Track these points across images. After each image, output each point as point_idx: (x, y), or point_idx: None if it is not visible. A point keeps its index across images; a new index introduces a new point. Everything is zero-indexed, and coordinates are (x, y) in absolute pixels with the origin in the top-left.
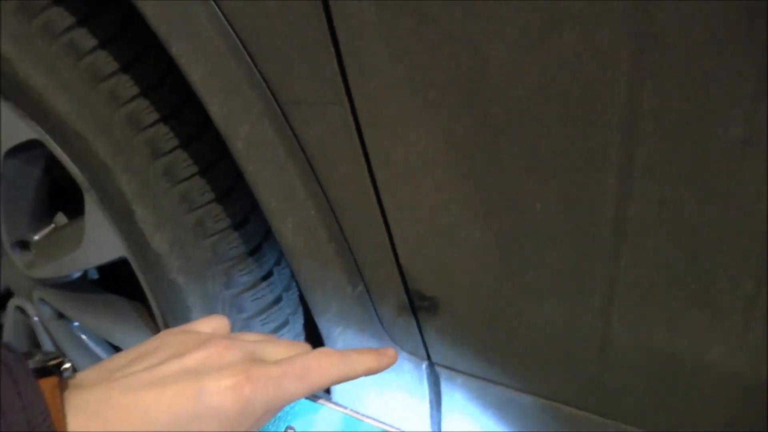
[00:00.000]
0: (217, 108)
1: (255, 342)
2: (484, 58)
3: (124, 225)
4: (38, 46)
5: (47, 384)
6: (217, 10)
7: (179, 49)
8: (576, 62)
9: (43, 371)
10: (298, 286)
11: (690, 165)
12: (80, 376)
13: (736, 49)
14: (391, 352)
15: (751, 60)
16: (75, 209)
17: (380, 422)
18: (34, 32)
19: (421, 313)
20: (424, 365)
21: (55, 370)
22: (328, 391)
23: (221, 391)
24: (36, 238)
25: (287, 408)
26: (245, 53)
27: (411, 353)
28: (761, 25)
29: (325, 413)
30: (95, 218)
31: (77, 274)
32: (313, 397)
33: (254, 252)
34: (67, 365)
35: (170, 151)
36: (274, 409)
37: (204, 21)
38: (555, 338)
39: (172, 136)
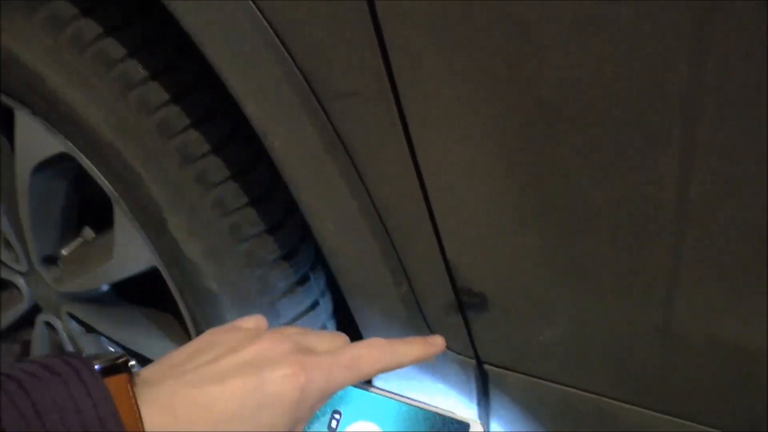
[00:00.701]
0: (254, 107)
1: (300, 334)
2: (538, 41)
3: (155, 234)
4: (67, 57)
5: (119, 381)
6: (253, 6)
7: (214, 51)
8: (634, 42)
9: (112, 369)
10: (332, 290)
11: (757, 142)
12: (144, 373)
13: None
14: (438, 340)
15: None
16: (102, 223)
17: (426, 404)
18: (63, 44)
19: (470, 311)
20: (472, 364)
21: (123, 368)
22: (369, 382)
23: (280, 381)
24: (64, 252)
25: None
26: (283, 49)
27: (459, 353)
28: None
29: (369, 398)
30: (125, 229)
31: (106, 288)
32: (359, 384)
33: (290, 256)
34: (133, 362)
35: (202, 156)
36: (326, 397)
37: (240, 19)
38: (613, 333)
39: (203, 141)
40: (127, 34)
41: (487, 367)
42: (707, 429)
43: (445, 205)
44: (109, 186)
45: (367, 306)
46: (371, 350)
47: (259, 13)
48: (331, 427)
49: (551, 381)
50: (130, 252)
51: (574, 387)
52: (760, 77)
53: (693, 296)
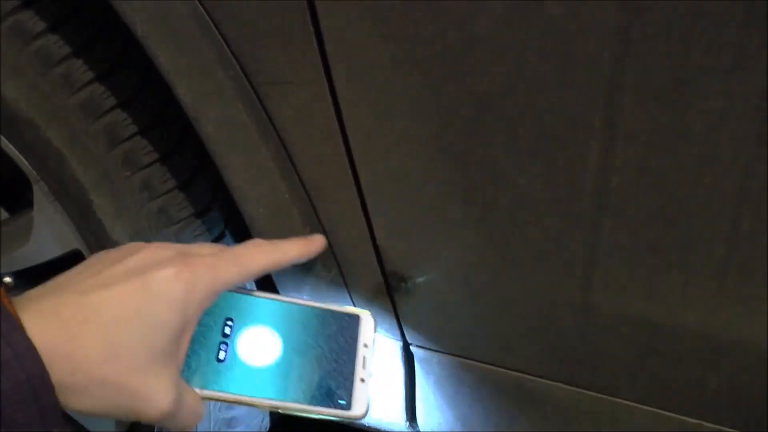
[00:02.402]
0: (185, 91)
1: (183, 245)
2: (469, 34)
3: (79, 217)
4: None
5: None
6: None
7: (145, 30)
8: (559, 35)
9: None
10: None
11: (669, 135)
12: (29, 292)
13: (713, 21)
14: (318, 237)
15: (726, 32)
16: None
17: (315, 302)
18: None
19: (398, 294)
20: (398, 346)
21: None
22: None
23: (165, 279)
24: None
25: (223, 302)
26: (217, 33)
27: (386, 335)
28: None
29: (260, 303)
30: (45, 211)
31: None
32: (247, 291)
33: (218, 240)
34: (8, 279)
35: (129, 138)
36: (214, 293)
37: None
38: (536, 311)
39: (130, 122)
40: (46, 8)
41: (413, 348)
42: (625, 402)
43: (376, 190)
44: (28, 165)
45: (293, 288)
46: (254, 248)
47: None
48: (225, 333)
49: (475, 360)
50: (50, 234)
51: (496, 365)
52: (676, 75)
53: (609, 276)
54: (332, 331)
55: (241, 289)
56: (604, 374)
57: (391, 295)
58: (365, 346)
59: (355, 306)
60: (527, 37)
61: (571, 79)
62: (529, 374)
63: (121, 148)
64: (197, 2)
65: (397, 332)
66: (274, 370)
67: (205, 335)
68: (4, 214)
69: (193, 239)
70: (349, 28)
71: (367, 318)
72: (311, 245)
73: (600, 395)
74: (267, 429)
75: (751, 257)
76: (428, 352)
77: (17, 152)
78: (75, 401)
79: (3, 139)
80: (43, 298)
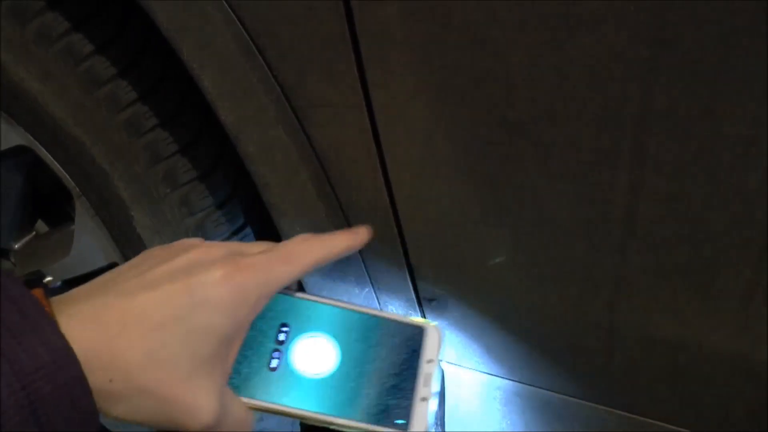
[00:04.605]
0: (227, 113)
1: (235, 243)
2: (504, 63)
3: (119, 231)
4: (34, 51)
5: (36, 293)
6: (232, 13)
7: (191, 54)
8: (590, 65)
9: (27, 285)
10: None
11: (696, 163)
12: (71, 292)
13: (739, 52)
14: (363, 228)
15: (753, 62)
16: (56, 216)
17: (377, 310)
18: (29, 38)
19: (429, 312)
20: None
21: (39, 283)
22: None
23: (213, 282)
24: (17, 246)
25: (279, 306)
26: (260, 58)
27: None
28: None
29: (318, 308)
30: (86, 225)
31: (58, 284)
32: (305, 295)
33: None
34: (50, 278)
35: (170, 156)
36: (267, 295)
37: (217, 25)
38: (564, 331)
39: (171, 141)
40: (94, 30)
41: (443, 364)
42: (651, 421)
43: (410, 211)
44: (71, 180)
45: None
46: (303, 244)
47: (236, 18)
48: (279, 340)
49: (503, 377)
50: (90, 247)
51: (523, 383)
52: (702, 104)
53: (635, 298)
54: (394, 343)
55: (299, 293)
56: (631, 393)
57: (422, 311)
58: (429, 361)
59: (422, 317)
60: (560, 67)
61: (602, 107)
62: (556, 392)
63: (161, 166)
64: (242, 28)
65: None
66: (329, 382)
67: (257, 341)
68: (44, 227)
69: None
70: (388, 56)
71: (433, 331)
72: (358, 236)
73: (627, 414)
74: None
75: None
76: (458, 369)
77: (61, 168)
78: (113, 408)
79: (48, 155)
80: (85, 299)
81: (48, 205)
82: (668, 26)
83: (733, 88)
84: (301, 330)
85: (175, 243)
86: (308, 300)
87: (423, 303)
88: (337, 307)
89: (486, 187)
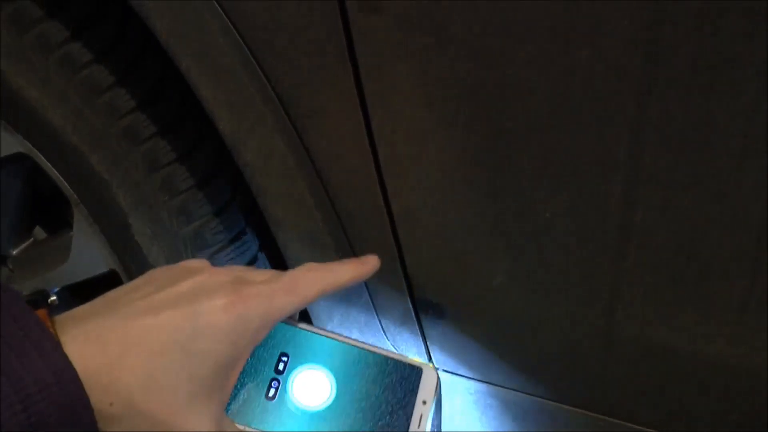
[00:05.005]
0: (225, 122)
1: (240, 269)
2: (501, 73)
3: (117, 239)
4: (33, 59)
5: (39, 314)
6: (231, 25)
7: (189, 64)
8: (586, 75)
9: (31, 304)
10: None
11: (690, 173)
12: (75, 311)
13: (733, 63)
14: (372, 258)
15: (747, 73)
16: (54, 223)
17: (377, 348)
18: (29, 45)
19: (426, 321)
20: None
21: (42, 303)
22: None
23: (215, 310)
24: (14, 252)
25: (280, 335)
26: (258, 68)
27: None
28: (759, 42)
29: (318, 340)
30: (85, 232)
31: (55, 290)
32: (306, 326)
33: (250, 264)
34: (53, 297)
35: (168, 164)
36: (268, 324)
37: (216, 36)
38: (561, 339)
39: (169, 150)
40: (93, 39)
41: (440, 372)
42: (645, 429)
43: (407, 219)
44: (69, 188)
45: (326, 314)
46: (308, 273)
47: (235, 30)
48: (278, 370)
49: (500, 385)
50: (88, 254)
51: (520, 391)
52: (697, 115)
53: (631, 307)
54: (391, 381)
55: (302, 324)
56: (626, 401)
57: (419, 320)
58: (424, 402)
59: (422, 359)
60: (555, 78)
61: (597, 118)
62: (552, 400)
63: (159, 174)
64: (240, 39)
65: (425, 357)
66: (325, 415)
67: (257, 368)
68: (42, 234)
69: (227, 263)
70: (385, 66)
71: (429, 372)
72: (365, 266)
73: (621, 422)
74: None
75: None
76: (455, 377)
77: (59, 176)
78: (111, 429)
79: (47, 162)
80: (88, 319)
81: (46, 211)
82: (663, 38)
83: (727, 98)
84: (301, 361)
85: (180, 264)
86: (310, 331)
87: (420, 311)
88: (338, 341)
89: (483, 196)
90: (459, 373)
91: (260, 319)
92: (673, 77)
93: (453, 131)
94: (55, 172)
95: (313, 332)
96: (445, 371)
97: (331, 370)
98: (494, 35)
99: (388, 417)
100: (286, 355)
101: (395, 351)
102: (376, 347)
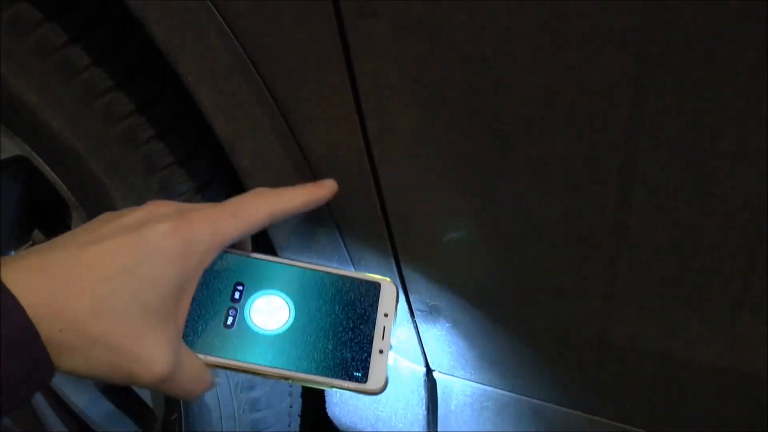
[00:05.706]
0: (222, 125)
1: (186, 203)
2: (495, 77)
3: None
4: (32, 62)
5: None
6: (228, 30)
7: (187, 69)
8: (579, 79)
9: None
10: None
11: (684, 177)
12: (22, 252)
13: (726, 67)
14: (328, 182)
15: (739, 80)
16: (53, 226)
17: (332, 268)
18: (28, 49)
19: (421, 322)
20: (422, 373)
21: None
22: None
23: (160, 235)
24: (13, 254)
25: (233, 266)
26: (254, 71)
27: (409, 361)
28: (754, 43)
29: (273, 267)
30: None
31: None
32: (260, 255)
33: None
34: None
35: (166, 167)
36: (215, 247)
37: (214, 41)
38: (555, 342)
39: (167, 153)
40: (91, 42)
41: (436, 375)
42: (632, 429)
43: (403, 222)
44: (68, 192)
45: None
46: (255, 196)
47: (232, 35)
48: (234, 298)
49: (495, 387)
50: None
51: (516, 393)
52: (690, 119)
53: (626, 310)
54: (350, 298)
55: (255, 253)
56: (621, 404)
57: (414, 322)
58: (385, 315)
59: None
60: (549, 81)
61: (591, 121)
62: (548, 402)
63: (157, 177)
64: (236, 42)
65: (421, 358)
66: (285, 338)
67: (212, 299)
68: (41, 236)
69: None
70: (380, 70)
71: (388, 286)
72: (321, 190)
73: (617, 424)
74: None
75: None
76: (450, 379)
77: (58, 179)
78: (67, 361)
79: (45, 165)
80: (33, 255)
81: (45, 214)
82: (656, 42)
83: (721, 102)
84: (257, 288)
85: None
86: (264, 260)
87: (415, 313)
88: (293, 266)
89: (478, 199)
90: (455, 374)
91: (206, 241)
92: (666, 79)
93: (448, 134)
94: (54, 175)
95: (268, 260)
96: (441, 373)
97: (289, 294)
98: (487, 39)
99: (350, 332)
100: (241, 284)
101: (353, 271)
102: (332, 268)
